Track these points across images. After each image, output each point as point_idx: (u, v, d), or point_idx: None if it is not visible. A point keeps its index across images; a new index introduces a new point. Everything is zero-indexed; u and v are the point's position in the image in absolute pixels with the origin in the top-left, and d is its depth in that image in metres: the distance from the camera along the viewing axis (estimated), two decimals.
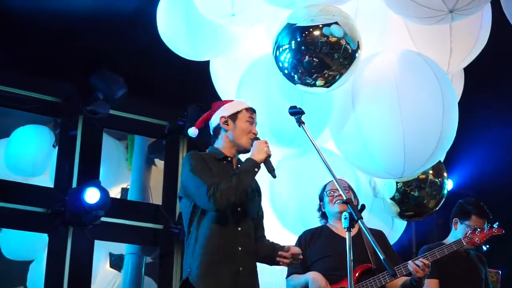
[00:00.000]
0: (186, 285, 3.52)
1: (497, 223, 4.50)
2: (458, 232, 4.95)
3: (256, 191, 3.88)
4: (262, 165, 3.68)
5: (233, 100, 4.04)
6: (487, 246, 4.79)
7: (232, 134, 3.80)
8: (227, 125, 3.82)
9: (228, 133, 3.82)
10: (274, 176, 3.68)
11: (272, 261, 3.77)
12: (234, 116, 3.83)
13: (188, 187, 3.65)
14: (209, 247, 3.57)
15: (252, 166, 3.61)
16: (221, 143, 3.84)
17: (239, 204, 3.66)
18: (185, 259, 3.69)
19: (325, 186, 4.50)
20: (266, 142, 3.71)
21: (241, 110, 3.85)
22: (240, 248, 3.62)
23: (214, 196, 3.47)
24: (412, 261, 4.02)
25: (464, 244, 4.37)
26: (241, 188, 3.54)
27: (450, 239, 4.94)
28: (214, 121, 3.89)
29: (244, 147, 3.79)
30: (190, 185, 3.63)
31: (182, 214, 3.82)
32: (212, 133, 3.94)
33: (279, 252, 3.68)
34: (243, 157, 3.84)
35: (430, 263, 4.02)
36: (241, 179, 3.54)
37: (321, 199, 4.54)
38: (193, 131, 3.92)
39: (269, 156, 3.67)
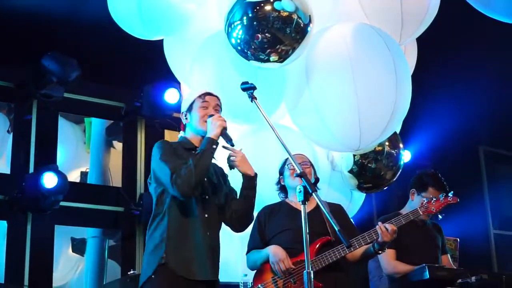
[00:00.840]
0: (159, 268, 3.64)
1: (452, 192, 4.54)
2: (414, 202, 5.01)
3: (221, 177, 4.02)
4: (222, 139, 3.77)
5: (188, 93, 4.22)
6: (443, 214, 4.86)
7: (192, 125, 3.93)
8: (187, 119, 3.97)
9: (189, 126, 3.97)
10: (232, 145, 3.78)
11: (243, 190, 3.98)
12: (189, 108, 3.95)
13: (158, 175, 3.75)
14: (175, 232, 3.69)
15: (209, 143, 3.68)
16: (188, 135, 3.99)
17: (205, 192, 3.79)
18: (147, 242, 3.80)
19: (286, 160, 4.51)
20: (219, 116, 3.79)
21: (194, 101, 3.95)
22: (208, 233, 3.74)
23: (176, 183, 3.57)
24: (381, 224, 4.07)
25: (421, 213, 4.42)
26: (200, 168, 3.60)
27: (406, 209, 5.00)
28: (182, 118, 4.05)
29: (204, 130, 3.85)
30: (159, 173, 3.73)
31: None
32: (184, 129, 4.09)
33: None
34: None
35: (396, 229, 4.07)
36: (199, 159, 3.62)
37: (281, 173, 4.55)
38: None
39: (224, 128, 3.74)
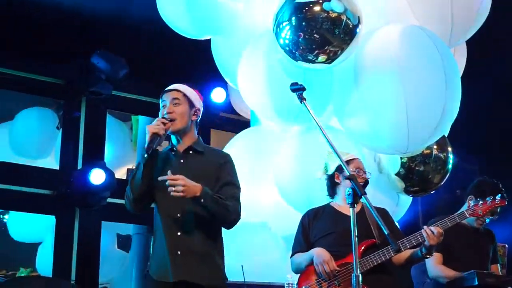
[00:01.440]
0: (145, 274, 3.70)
1: (500, 194, 4.44)
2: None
3: (212, 171, 3.73)
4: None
5: None
6: (490, 218, 4.78)
7: None
8: None
9: None
10: (146, 154, 3.55)
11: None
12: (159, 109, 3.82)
13: None
14: (155, 237, 3.69)
15: (142, 155, 3.58)
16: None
17: (178, 211, 3.59)
18: None
19: (350, 161, 4.44)
20: (157, 121, 3.62)
21: (159, 103, 3.83)
22: (179, 234, 3.58)
23: (124, 202, 3.64)
24: (426, 227, 4.01)
25: (467, 215, 4.33)
26: (134, 183, 3.54)
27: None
28: None
29: (171, 133, 3.74)
30: None
31: None
32: None
33: None
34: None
35: (443, 232, 4.01)
36: (134, 174, 3.57)
37: (340, 170, 4.41)
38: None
39: (154, 134, 3.52)
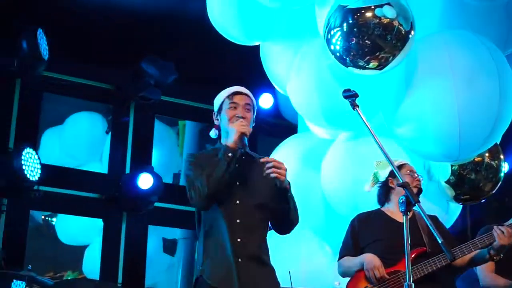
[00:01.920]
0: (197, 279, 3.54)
1: None
2: None
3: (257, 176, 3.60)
4: None
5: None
6: None
7: (223, 127, 3.63)
8: (218, 120, 3.67)
9: (221, 129, 3.66)
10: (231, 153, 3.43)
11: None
12: (219, 110, 3.65)
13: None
14: (209, 242, 3.52)
15: (225, 152, 3.42)
16: (224, 139, 3.66)
17: (236, 196, 3.51)
18: (197, 251, 3.70)
19: (403, 165, 4.39)
20: (242, 120, 3.49)
21: (223, 101, 3.65)
22: (239, 240, 3.47)
23: (191, 197, 3.42)
24: (496, 227, 3.97)
25: None
26: (213, 180, 3.37)
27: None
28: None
29: (232, 138, 3.53)
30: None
31: None
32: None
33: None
34: None
35: None
36: (213, 170, 3.39)
37: (393, 175, 4.36)
38: (213, 133, 3.80)
39: (242, 134, 3.42)
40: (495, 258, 4.05)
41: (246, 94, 3.65)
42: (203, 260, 3.52)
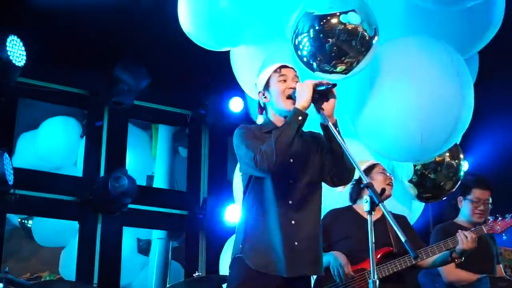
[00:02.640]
0: (235, 261, 3.39)
1: None
2: (464, 209, 4.94)
3: (317, 147, 3.55)
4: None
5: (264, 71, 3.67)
6: (506, 235, 4.74)
7: (273, 103, 3.52)
8: (265, 97, 3.54)
9: (270, 105, 3.55)
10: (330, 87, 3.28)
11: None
12: (267, 86, 3.54)
13: (242, 160, 3.40)
14: (254, 223, 3.40)
15: (294, 115, 3.23)
16: (270, 116, 3.56)
17: (290, 175, 3.40)
18: (237, 231, 3.51)
19: (374, 165, 4.48)
20: (310, 82, 3.31)
21: (270, 76, 3.54)
22: (293, 222, 3.36)
23: (256, 160, 3.21)
24: (461, 231, 4.03)
25: (485, 231, 4.29)
26: (281, 144, 3.19)
27: (460, 218, 4.92)
28: (259, 100, 3.64)
29: (286, 109, 3.44)
30: (243, 157, 3.37)
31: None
32: (265, 111, 3.64)
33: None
34: None
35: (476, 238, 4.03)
36: (281, 133, 3.21)
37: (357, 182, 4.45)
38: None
39: (315, 85, 3.29)
40: (456, 260, 4.09)
41: (291, 68, 3.57)
42: (243, 238, 3.38)
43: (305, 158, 3.49)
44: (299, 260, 3.32)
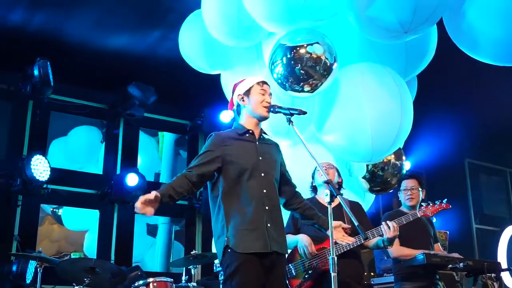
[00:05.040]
0: (226, 248, 3.20)
1: (446, 199, 4.38)
2: (401, 198, 4.92)
3: (278, 156, 3.50)
4: None
5: (246, 79, 3.58)
6: (436, 218, 4.76)
7: (249, 107, 3.41)
8: (243, 101, 3.43)
9: (246, 108, 3.43)
10: None
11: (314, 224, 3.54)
12: (247, 92, 3.42)
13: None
14: (233, 213, 3.21)
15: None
16: (243, 119, 3.45)
17: (262, 170, 3.31)
18: (214, 226, 3.32)
19: (316, 167, 4.43)
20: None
21: (252, 85, 3.44)
22: (267, 208, 3.25)
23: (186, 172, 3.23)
24: (384, 222, 3.95)
25: (419, 215, 4.30)
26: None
27: (402, 206, 4.93)
28: (235, 100, 3.51)
29: (261, 116, 3.40)
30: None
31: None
32: (236, 112, 3.52)
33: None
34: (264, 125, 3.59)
35: (398, 227, 3.94)
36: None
37: (313, 177, 4.44)
38: (226, 117, 3.60)
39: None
40: (387, 247, 4.07)
41: (269, 85, 3.54)
42: (226, 232, 3.19)
43: (270, 157, 3.42)
44: (273, 239, 3.22)
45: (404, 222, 4.18)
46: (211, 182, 3.35)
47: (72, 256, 8.19)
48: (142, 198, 3.02)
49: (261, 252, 3.17)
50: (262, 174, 3.31)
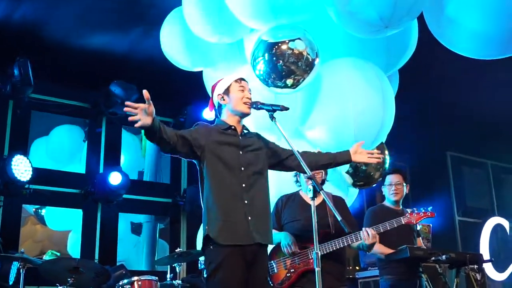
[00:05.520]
0: (206, 238, 3.24)
1: (431, 207, 4.38)
2: (385, 193, 4.97)
3: (262, 143, 3.54)
4: None
5: (223, 78, 3.62)
6: (420, 226, 4.78)
7: (230, 105, 3.46)
8: (224, 100, 3.48)
9: (227, 107, 3.48)
10: None
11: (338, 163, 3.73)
12: (227, 91, 3.48)
13: None
14: (215, 205, 3.24)
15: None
16: (225, 116, 3.50)
17: (241, 164, 3.33)
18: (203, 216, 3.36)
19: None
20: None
21: (231, 83, 3.49)
22: (246, 201, 3.28)
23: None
24: (365, 229, 3.93)
25: (403, 222, 4.27)
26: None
27: (385, 201, 4.94)
28: (215, 101, 3.56)
29: (242, 113, 3.46)
30: None
31: None
32: (217, 112, 3.57)
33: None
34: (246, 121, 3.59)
35: (377, 234, 3.94)
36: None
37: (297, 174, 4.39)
38: (209, 114, 3.62)
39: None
40: (367, 251, 4.08)
41: (247, 81, 3.56)
42: (207, 221, 3.24)
43: (252, 151, 3.44)
44: (254, 231, 3.23)
45: (388, 228, 4.16)
46: (199, 175, 3.36)
47: (46, 257, 8.15)
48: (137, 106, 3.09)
49: (243, 244, 3.18)
50: (242, 168, 3.34)
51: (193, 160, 3.43)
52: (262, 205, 3.36)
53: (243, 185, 3.30)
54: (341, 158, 3.68)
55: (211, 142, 3.35)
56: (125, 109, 3.11)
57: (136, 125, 3.07)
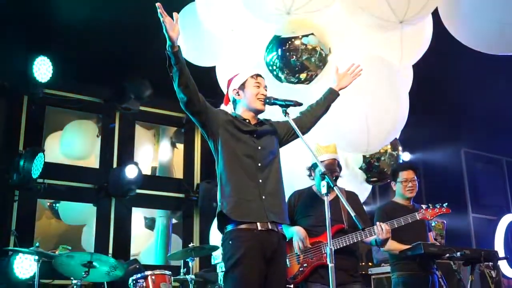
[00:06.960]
0: (220, 215, 3.23)
1: (446, 203, 4.31)
2: (397, 190, 4.85)
3: (274, 127, 3.53)
4: None
5: (239, 73, 3.56)
6: (434, 222, 4.69)
7: (245, 101, 3.43)
8: (239, 95, 3.44)
9: (242, 102, 3.44)
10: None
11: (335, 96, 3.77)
12: (242, 86, 3.44)
13: None
14: (227, 184, 3.24)
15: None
16: (240, 111, 3.46)
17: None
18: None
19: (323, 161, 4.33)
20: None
21: (247, 79, 3.45)
22: (260, 181, 3.26)
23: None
24: (379, 224, 3.89)
25: (418, 218, 4.22)
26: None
27: (397, 197, 4.89)
28: (230, 96, 3.52)
29: (256, 109, 3.42)
30: None
31: None
32: (233, 105, 3.53)
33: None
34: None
35: (390, 229, 3.89)
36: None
37: (314, 167, 4.25)
38: (224, 107, 3.63)
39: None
40: (380, 247, 4.05)
41: (263, 78, 3.54)
42: (221, 197, 3.25)
43: (266, 134, 3.44)
44: (269, 210, 3.22)
45: (403, 224, 4.12)
46: (214, 150, 3.37)
47: (60, 252, 8.21)
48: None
49: (261, 231, 3.16)
50: (259, 147, 3.35)
51: (203, 132, 3.42)
52: (275, 185, 3.34)
53: (259, 164, 3.30)
54: (332, 99, 3.76)
55: (227, 123, 3.35)
56: (159, 10, 3.14)
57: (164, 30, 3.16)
